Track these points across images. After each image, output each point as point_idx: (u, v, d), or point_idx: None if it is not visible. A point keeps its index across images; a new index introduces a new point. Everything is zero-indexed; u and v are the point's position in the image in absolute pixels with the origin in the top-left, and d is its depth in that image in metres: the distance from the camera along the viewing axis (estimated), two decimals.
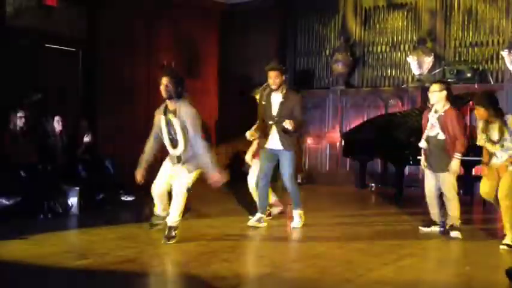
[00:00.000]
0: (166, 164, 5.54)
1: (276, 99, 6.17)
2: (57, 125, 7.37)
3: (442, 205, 6.25)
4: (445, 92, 5.94)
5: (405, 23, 11.28)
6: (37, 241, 5.37)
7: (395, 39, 11.37)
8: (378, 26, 11.56)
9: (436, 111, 6.02)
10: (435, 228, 6.26)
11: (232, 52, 12.11)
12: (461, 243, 5.80)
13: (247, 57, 11.84)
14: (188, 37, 11.27)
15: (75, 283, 4.14)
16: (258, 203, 6.42)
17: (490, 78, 10.23)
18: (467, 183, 9.05)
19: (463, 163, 8.77)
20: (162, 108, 5.41)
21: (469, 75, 10.19)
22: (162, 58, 10.69)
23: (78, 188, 6.99)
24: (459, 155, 5.97)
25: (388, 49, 11.43)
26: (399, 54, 11.30)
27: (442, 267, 4.76)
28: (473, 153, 8.48)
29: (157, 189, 5.51)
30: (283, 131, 6.07)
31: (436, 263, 5.01)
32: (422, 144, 6.11)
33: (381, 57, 11.51)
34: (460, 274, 4.47)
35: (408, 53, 10.95)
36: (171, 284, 4.36)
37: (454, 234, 5.98)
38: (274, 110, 6.14)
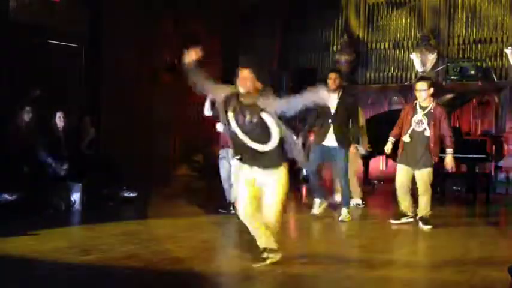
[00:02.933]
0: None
1: (333, 100, 6.53)
2: (60, 120, 7.37)
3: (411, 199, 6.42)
4: (432, 89, 6.12)
5: (408, 20, 11.27)
6: (40, 237, 5.38)
7: (398, 37, 11.36)
8: (381, 23, 11.54)
9: (422, 108, 6.16)
10: (406, 220, 6.39)
11: (236, 50, 12.08)
12: (464, 241, 5.80)
13: (250, 55, 11.82)
14: (191, 34, 11.26)
15: (78, 279, 4.15)
16: (315, 191, 6.91)
17: (494, 75, 10.20)
18: (469, 181, 9.05)
19: (465, 161, 8.79)
20: (230, 97, 4.36)
21: (472, 72, 10.18)
22: (165, 55, 10.69)
23: (81, 184, 7.01)
24: (451, 150, 6.14)
25: (391, 46, 11.42)
26: (403, 51, 11.29)
27: (444, 265, 4.76)
28: (476, 150, 8.49)
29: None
30: (339, 131, 6.55)
31: (438, 260, 5.01)
32: (407, 138, 6.20)
33: (384, 54, 11.49)
34: (462, 271, 4.47)
35: (411, 50, 10.93)
36: (174, 280, 4.37)
37: (425, 227, 6.18)
38: (332, 111, 6.54)
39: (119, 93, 9.65)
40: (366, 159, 9.72)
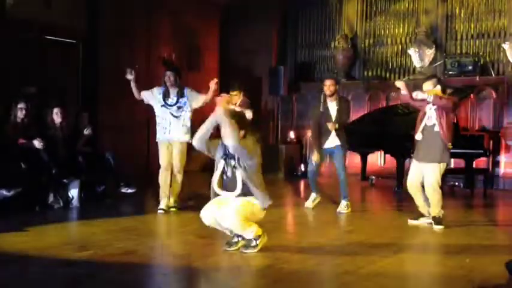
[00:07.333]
0: None
1: (332, 106, 6.97)
2: (57, 117, 7.34)
3: (426, 197, 6.23)
4: (438, 87, 6.19)
5: (407, 15, 11.23)
6: (37, 233, 5.38)
7: (396, 32, 11.32)
8: (379, 18, 11.50)
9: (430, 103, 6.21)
10: (424, 221, 6.26)
11: (233, 44, 12.07)
12: (462, 236, 5.80)
13: (248, 49, 11.80)
14: (188, 29, 11.23)
15: (76, 275, 4.14)
16: (312, 187, 7.28)
17: (492, 70, 10.19)
18: (468, 176, 9.06)
19: (464, 156, 8.80)
20: None
21: (470, 67, 10.15)
22: (162, 50, 10.66)
23: (78, 181, 7.00)
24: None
25: (389, 41, 11.38)
26: (401, 46, 11.26)
27: (442, 260, 4.77)
28: (474, 146, 8.48)
29: None
30: (340, 134, 6.97)
31: (436, 255, 5.02)
32: (418, 135, 6.24)
33: (382, 49, 11.46)
34: (460, 267, 4.47)
35: (409, 45, 10.91)
36: (171, 275, 4.37)
37: (436, 227, 6.05)
38: (333, 115, 6.93)
39: (116, 90, 9.62)
40: (363, 155, 9.74)
